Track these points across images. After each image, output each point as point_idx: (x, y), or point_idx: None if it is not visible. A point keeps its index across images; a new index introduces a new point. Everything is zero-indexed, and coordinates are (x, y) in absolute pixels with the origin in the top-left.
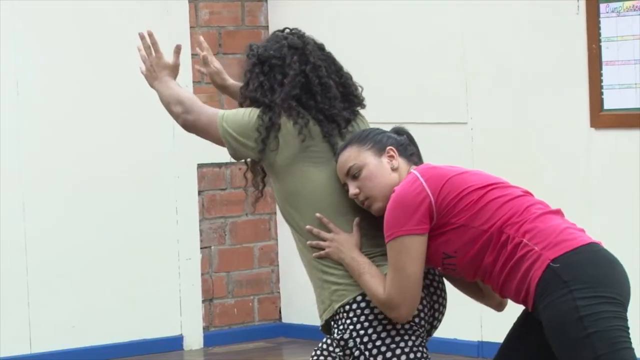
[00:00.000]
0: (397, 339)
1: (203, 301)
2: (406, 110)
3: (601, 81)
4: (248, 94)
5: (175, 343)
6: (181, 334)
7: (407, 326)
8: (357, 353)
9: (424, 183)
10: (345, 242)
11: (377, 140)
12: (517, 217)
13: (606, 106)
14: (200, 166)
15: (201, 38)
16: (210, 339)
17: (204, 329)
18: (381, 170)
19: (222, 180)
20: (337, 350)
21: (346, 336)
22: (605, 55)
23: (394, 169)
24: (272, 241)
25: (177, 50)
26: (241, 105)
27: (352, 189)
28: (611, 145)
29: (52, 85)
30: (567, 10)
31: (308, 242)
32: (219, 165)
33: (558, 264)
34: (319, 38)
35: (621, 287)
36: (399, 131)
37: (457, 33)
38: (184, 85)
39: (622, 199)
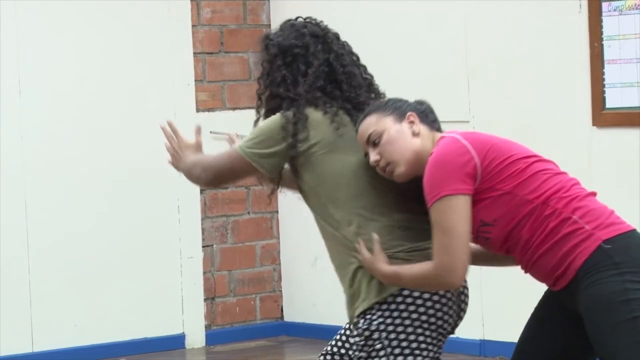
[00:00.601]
0: (423, 346)
1: (205, 300)
2: None
3: (603, 80)
4: (269, 86)
5: (177, 341)
6: (183, 333)
7: (434, 334)
8: (378, 346)
9: (468, 145)
10: (370, 264)
11: (396, 107)
12: (564, 192)
13: (608, 105)
14: None
15: (231, 133)
16: (212, 338)
17: (205, 327)
18: (402, 135)
19: None
20: (357, 339)
21: (373, 327)
22: (607, 54)
23: (415, 134)
24: (274, 240)
25: (198, 130)
26: (259, 97)
27: (373, 156)
28: (613, 143)
29: (54, 84)
30: (569, 8)
31: (357, 243)
32: None
33: (610, 245)
34: None
35: None
36: (420, 102)
37: (459, 32)
38: (185, 83)
39: (623, 198)
